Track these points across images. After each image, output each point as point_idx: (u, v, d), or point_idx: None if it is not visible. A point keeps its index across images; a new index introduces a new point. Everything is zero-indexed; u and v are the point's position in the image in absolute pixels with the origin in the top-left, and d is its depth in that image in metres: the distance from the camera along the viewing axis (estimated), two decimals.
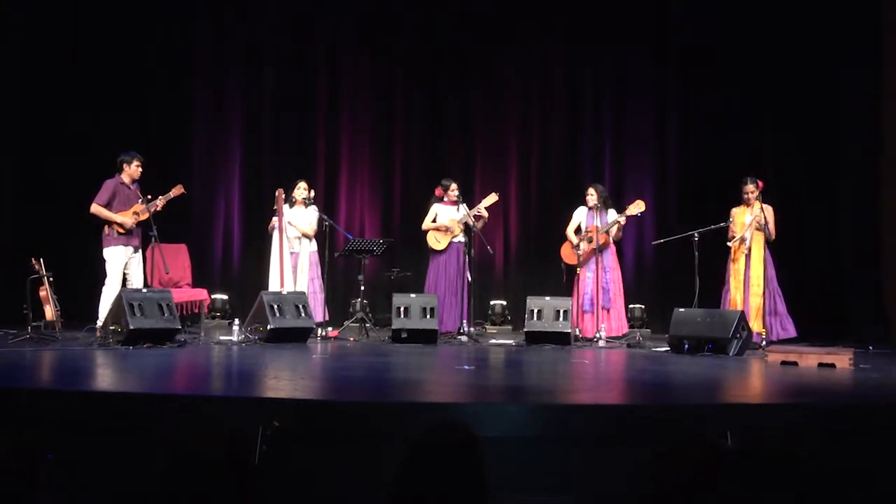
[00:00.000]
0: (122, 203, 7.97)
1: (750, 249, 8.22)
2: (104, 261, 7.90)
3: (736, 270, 8.38)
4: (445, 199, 9.11)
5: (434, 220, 9.13)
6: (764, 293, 8.18)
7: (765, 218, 8.19)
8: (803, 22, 9.64)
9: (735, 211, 8.46)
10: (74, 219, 8.39)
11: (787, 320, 8.34)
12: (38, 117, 9.78)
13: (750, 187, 8.33)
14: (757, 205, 8.28)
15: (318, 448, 4.15)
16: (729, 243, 8.41)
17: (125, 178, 8.06)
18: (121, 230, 7.89)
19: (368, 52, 10.76)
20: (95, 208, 7.88)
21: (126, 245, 7.92)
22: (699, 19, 10.20)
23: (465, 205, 9.02)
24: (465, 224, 8.94)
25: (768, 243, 8.35)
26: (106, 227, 7.91)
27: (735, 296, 8.34)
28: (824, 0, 9.61)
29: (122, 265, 7.89)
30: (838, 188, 9.53)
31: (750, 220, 8.25)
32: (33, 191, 9.75)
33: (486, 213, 9.10)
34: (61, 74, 9.82)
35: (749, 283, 8.20)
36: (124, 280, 7.92)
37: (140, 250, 8.09)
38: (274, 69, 10.72)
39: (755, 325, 8.13)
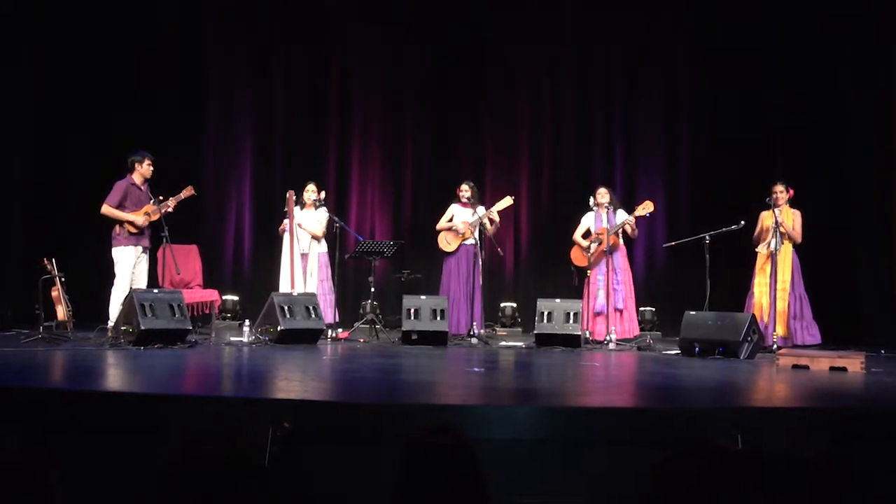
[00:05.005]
0: (133, 204, 8.00)
1: (777, 253, 8.19)
2: (113, 261, 7.94)
3: (763, 274, 8.36)
4: (462, 200, 9.12)
5: (450, 221, 9.15)
6: (790, 297, 8.19)
7: (780, 223, 8.17)
8: (812, 20, 9.58)
9: (764, 214, 8.44)
10: (87, 219, 8.43)
11: (813, 326, 8.33)
12: (49, 118, 9.83)
13: (779, 187, 8.34)
14: (783, 208, 8.28)
15: (328, 449, 4.15)
16: (757, 248, 8.40)
17: (136, 178, 8.09)
18: (132, 230, 7.92)
19: (379, 53, 10.77)
20: (106, 209, 7.92)
21: (136, 245, 7.96)
22: (708, 18, 10.16)
23: (482, 207, 9.04)
24: (480, 227, 8.95)
25: (796, 247, 8.35)
26: (116, 227, 7.94)
27: (760, 299, 8.32)
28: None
29: (131, 265, 7.92)
30: (851, 189, 9.47)
31: (774, 224, 8.22)
32: (45, 191, 9.80)
33: (496, 217, 9.09)
34: (73, 76, 9.86)
35: (775, 287, 8.16)
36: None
37: (149, 251, 8.13)
38: (284, 70, 10.74)
39: (780, 328, 8.12)
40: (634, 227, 8.93)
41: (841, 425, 4.46)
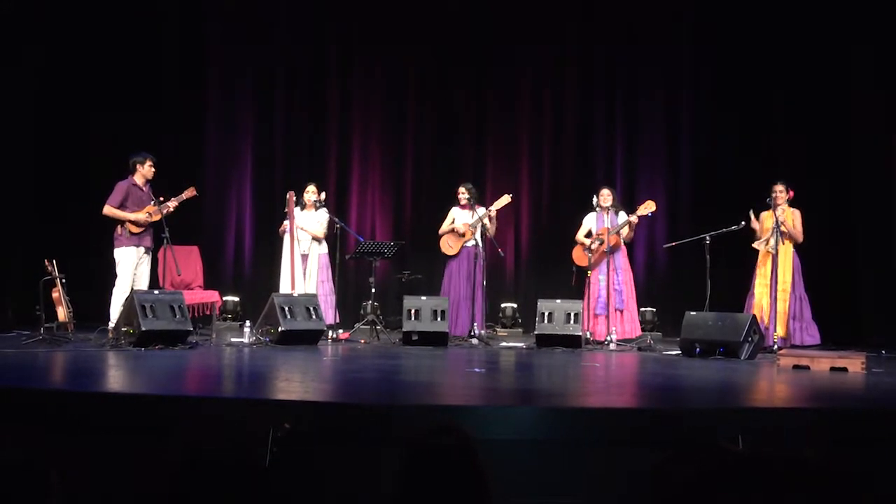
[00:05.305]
0: (134, 204, 8.01)
1: (777, 253, 8.20)
2: (114, 261, 7.94)
3: (763, 274, 8.37)
4: (461, 203, 9.13)
5: (451, 225, 9.16)
6: (790, 297, 8.19)
7: (781, 222, 8.18)
8: (813, 19, 9.57)
9: (764, 215, 8.45)
10: (87, 220, 8.43)
11: (812, 326, 8.34)
12: (50, 119, 9.83)
13: (779, 187, 8.35)
14: (783, 208, 8.29)
15: (329, 450, 4.15)
16: (754, 244, 8.41)
17: (138, 179, 8.10)
18: (133, 230, 7.92)
19: (380, 53, 10.78)
20: (108, 209, 7.92)
21: (138, 246, 7.97)
22: (711, 19, 10.16)
23: (481, 208, 9.04)
24: (481, 227, 8.95)
25: (797, 247, 8.35)
26: (118, 228, 7.95)
27: (761, 299, 8.33)
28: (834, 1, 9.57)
29: (133, 266, 7.93)
30: (851, 189, 9.46)
31: (775, 224, 8.23)
32: (46, 192, 9.79)
33: (493, 214, 9.09)
34: (74, 77, 9.86)
35: (776, 288, 8.16)
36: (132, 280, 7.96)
37: (151, 251, 8.14)
38: (285, 71, 10.75)
39: (780, 329, 8.12)
40: (633, 227, 8.93)
41: (841, 425, 4.46)
